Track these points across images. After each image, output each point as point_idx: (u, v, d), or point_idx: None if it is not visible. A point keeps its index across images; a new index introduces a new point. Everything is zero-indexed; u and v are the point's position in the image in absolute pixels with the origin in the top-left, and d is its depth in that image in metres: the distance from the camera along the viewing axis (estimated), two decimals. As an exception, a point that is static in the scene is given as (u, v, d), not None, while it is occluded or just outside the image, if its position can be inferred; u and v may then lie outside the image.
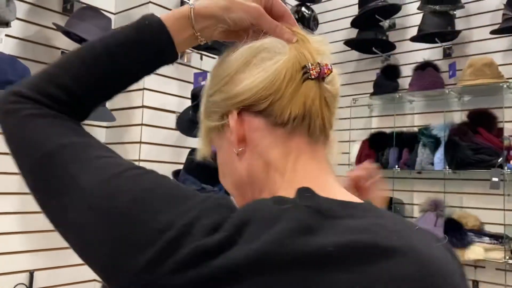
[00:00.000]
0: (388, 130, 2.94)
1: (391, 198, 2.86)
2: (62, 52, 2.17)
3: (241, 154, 0.57)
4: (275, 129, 0.56)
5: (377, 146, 2.90)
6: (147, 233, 0.44)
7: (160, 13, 2.02)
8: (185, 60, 2.39)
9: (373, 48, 3.02)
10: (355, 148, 3.00)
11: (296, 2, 3.18)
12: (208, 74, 0.66)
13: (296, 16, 3.15)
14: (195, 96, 2.10)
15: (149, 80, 2.20)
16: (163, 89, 2.28)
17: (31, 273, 2.06)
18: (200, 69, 2.42)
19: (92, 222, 0.47)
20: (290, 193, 0.51)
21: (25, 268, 2.05)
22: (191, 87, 2.34)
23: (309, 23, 3.18)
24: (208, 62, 2.47)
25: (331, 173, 0.59)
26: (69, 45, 2.15)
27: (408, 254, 0.45)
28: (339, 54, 3.32)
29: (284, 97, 0.55)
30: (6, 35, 1.92)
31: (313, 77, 0.56)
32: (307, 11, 3.16)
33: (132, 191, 0.48)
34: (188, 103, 2.28)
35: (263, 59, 0.57)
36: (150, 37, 0.58)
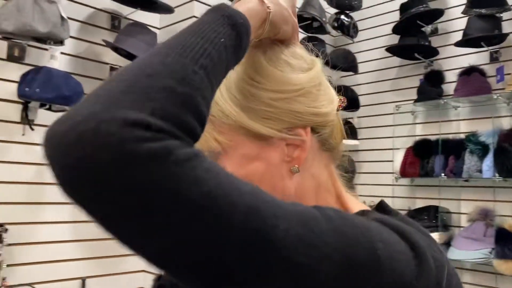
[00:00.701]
0: (432, 137, 2.87)
1: (437, 207, 2.78)
2: (111, 68, 2.26)
3: (295, 173, 0.56)
4: (322, 152, 0.60)
5: (422, 154, 2.84)
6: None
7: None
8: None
9: (416, 54, 2.97)
10: (399, 156, 2.95)
11: (335, 10, 3.18)
12: (244, 67, 0.57)
13: (336, 24, 3.14)
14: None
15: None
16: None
17: (83, 280, 2.14)
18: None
19: None
20: (356, 208, 0.58)
21: (77, 275, 2.13)
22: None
23: (348, 30, 3.17)
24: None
25: None
26: (118, 60, 2.24)
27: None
28: (380, 61, 3.28)
29: (335, 126, 0.61)
30: (61, 53, 2.03)
31: (340, 109, 0.62)
32: (346, 19, 3.15)
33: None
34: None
35: (329, 86, 0.62)
36: (246, 40, 0.49)
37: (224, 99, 0.56)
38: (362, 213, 0.54)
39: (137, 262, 1.90)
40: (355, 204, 0.60)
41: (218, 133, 0.55)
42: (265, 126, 0.55)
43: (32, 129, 1.98)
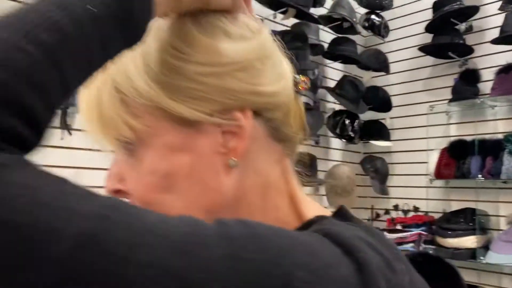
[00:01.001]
0: (468, 138, 2.79)
1: (474, 210, 2.71)
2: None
3: (233, 168, 0.45)
4: (273, 144, 0.48)
5: (457, 155, 2.77)
6: None
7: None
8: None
9: (450, 53, 2.90)
10: (434, 157, 2.89)
11: (366, 10, 3.14)
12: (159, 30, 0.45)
13: (366, 24, 3.11)
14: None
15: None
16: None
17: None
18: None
19: None
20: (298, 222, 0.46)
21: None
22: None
23: (379, 30, 3.13)
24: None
25: None
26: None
27: None
28: (412, 60, 3.23)
29: (292, 110, 0.49)
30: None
31: (302, 91, 0.51)
32: (377, 19, 3.12)
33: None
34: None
35: (281, 60, 0.49)
36: (142, 12, 0.39)
37: (138, 72, 0.43)
38: (312, 222, 0.44)
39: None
40: (312, 208, 0.49)
41: (132, 117, 0.43)
42: (191, 108, 0.43)
43: (70, 134, 2.04)
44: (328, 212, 0.49)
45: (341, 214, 0.48)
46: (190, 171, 0.44)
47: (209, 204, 0.44)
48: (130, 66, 0.43)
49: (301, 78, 0.53)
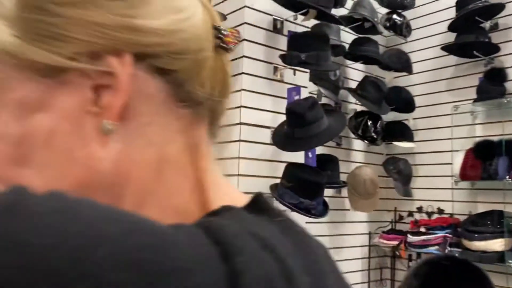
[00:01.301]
0: (495, 138, 2.73)
1: (501, 212, 2.64)
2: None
3: (111, 135, 0.34)
4: (178, 107, 0.37)
5: (483, 156, 2.71)
6: None
7: (254, 34, 2.08)
8: (278, 76, 2.44)
9: (474, 52, 2.84)
10: (458, 159, 2.83)
11: (387, 10, 3.11)
12: None
13: (387, 24, 3.08)
14: (290, 112, 2.13)
15: (245, 97, 2.28)
16: (259, 106, 2.35)
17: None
18: (293, 84, 2.46)
19: None
20: (203, 211, 0.37)
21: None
22: (285, 102, 2.38)
23: (401, 30, 3.10)
24: (301, 77, 2.50)
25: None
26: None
27: None
28: (435, 60, 3.17)
29: (206, 63, 0.38)
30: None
31: (229, 46, 0.40)
32: (398, 18, 3.08)
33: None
34: (282, 118, 2.32)
35: None
36: None
37: None
38: (215, 213, 0.36)
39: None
40: (223, 195, 0.39)
41: None
42: (44, 49, 0.32)
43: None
44: (242, 201, 0.39)
45: (255, 205, 0.38)
46: (50, 137, 0.33)
47: (77, 183, 0.33)
48: None
49: (229, 29, 0.39)
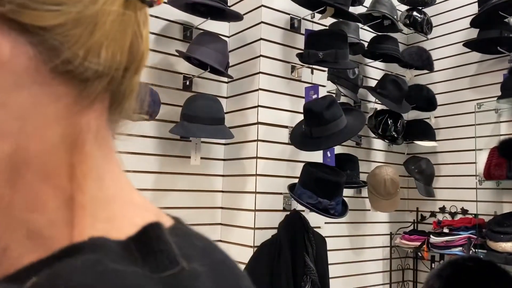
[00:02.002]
0: (521, 136, 2.65)
1: (528, 212, 2.56)
2: (184, 77, 2.34)
3: None
4: (55, 81, 0.27)
5: (509, 154, 2.62)
6: None
7: (271, 33, 2.07)
8: (296, 75, 2.42)
9: (498, 48, 2.76)
10: (482, 157, 2.76)
11: (407, 7, 3.06)
12: None
13: (407, 21, 3.03)
14: (308, 111, 2.10)
15: (263, 97, 2.27)
16: (276, 105, 2.33)
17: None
18: (311, 83, 2.43)
19: None
20: (108, 230, 0.27)
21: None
22: (303, 101, 2.36)
23: (422, 27, 3.04)
24: (319, 76, 2.47)
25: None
26: (191, 69, 2.31)
27: None
28: (457, 57, 3.10)
29: (103, 20, 0.28)
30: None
31: (156, 4, 0.30)
32: (419, 15, 3.03)
33: None
34: (300, 117, 2.29)
35: None
36: None
37: None
38: (78, 248, 0.26)
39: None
40: (112, 214, 0.29)
41: None
42: None
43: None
44: (136, 227, 0.27)
45: (142, 242, 0.27)
46: None
47: None
48: None
49: None
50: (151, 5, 0.30)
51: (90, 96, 0.29)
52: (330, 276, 2.21)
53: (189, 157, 2.26)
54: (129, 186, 0.31)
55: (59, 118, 0.27)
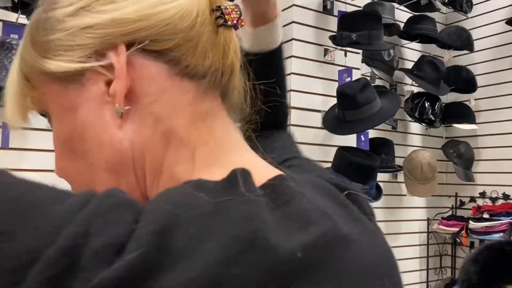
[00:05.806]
0: None
1: None
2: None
3: (125, 118, 0.39)
4: (182, 81, 0.40)
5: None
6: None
7: (303, 15, 2.05)
8: (329, 58, 2.39)
9: (544, 25, 2.63)
10: (525, 140, 2.65)
11: (446, -15, 2.95)
12: None
13: (446, 0, 2.91)
14: (341, 94, 2.08)
15: (295, 81, 2.26)
16: (309, 89, 2.31)
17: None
18: (344, 66, 2.40)
19: None
20: (214, 175, 0.35)
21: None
22: (336, 85, 2.33)
23: (461, 5, 2.92)
24: (353, 59, 2.43)
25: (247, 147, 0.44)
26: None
27: (359, 240, 0.34)
28: (499, 36, 2.97)
29: (201, 40, 0.41)
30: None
31: (230, 23, 0.42)
32: (458, -7, 2.91)
33: None
34: (333, 101, 2.27)
35: None
36: None
37: (25, 44, 0.42)
38: (205, 185, 0.35)
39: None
40: (207, 168, 0.40)
41: (32, 89, 0.42)
42: (58, 60, 0.39)
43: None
44: (218, 175, 0.35)
45: (227, 181, 0.34)
46: (83, 129, 0.40)
47: (106, 163, 0.40)
48: (23, 42, 0.43)
49: (230, 6, 0.36)
50: (236, 28, 0.43)
51: (207, 88, 0.42)
52: (364, 260, 2.20)
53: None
54: (242, 148, 0.44)
55: (190, 104, 0.41)
